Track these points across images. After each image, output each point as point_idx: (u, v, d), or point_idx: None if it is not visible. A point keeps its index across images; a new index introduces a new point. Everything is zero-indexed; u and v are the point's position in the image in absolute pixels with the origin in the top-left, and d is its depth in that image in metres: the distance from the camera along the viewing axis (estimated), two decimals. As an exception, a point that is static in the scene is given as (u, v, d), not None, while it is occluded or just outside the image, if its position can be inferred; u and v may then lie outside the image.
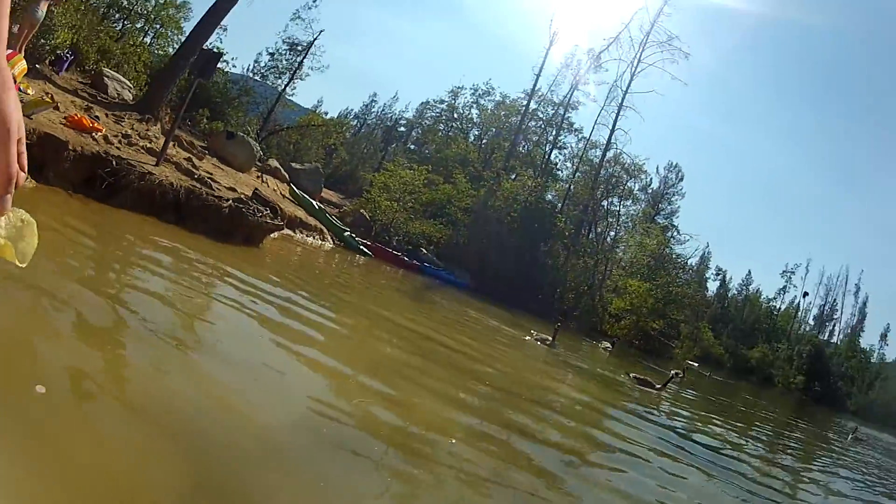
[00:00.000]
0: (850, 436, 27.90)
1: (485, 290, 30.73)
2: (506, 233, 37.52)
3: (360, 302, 12.85)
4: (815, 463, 16.79)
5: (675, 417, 14.75)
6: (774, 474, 12.04)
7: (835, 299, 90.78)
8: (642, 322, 41.90)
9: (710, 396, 25.74)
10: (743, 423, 19.69)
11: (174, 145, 14.73)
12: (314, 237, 20.49)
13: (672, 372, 20.05)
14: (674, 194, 68.29)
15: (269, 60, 39.20)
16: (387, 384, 6.93)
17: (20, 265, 1.06)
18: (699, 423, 15.63)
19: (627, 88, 45.98)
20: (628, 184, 50.40)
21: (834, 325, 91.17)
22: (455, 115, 50.74)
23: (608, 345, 28.57)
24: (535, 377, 12.66)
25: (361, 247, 23.59)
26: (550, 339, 18.22)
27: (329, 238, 21.70)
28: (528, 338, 18.24)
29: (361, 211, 29.96)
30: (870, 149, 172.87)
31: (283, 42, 39.21)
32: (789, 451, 17.39)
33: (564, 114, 48.01)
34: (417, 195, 32.96)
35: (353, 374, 6.87)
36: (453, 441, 5.59)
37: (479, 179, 39.94)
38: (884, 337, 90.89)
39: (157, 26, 29.64)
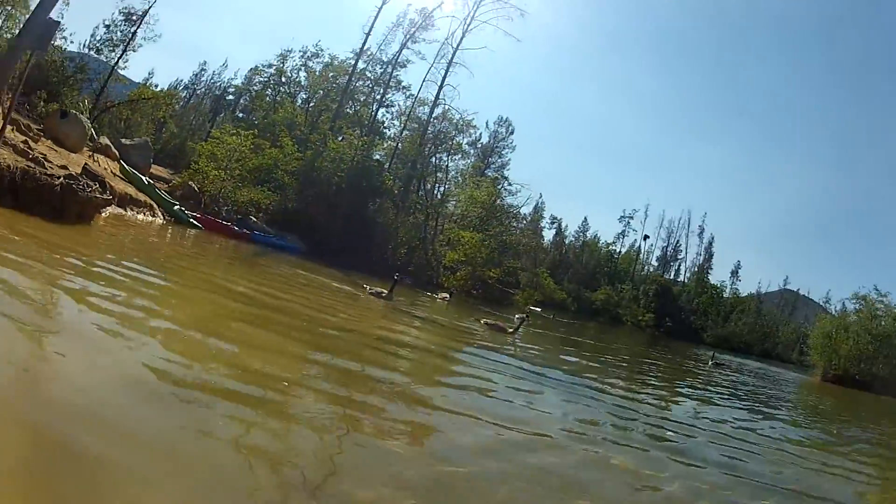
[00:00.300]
0: (710, 361, 30.09)
1: (317, 253, 30.77)
2: (334, 194, 37.88)
3: (195, 269, 13.11)
4: (680, 383, 18.20)
5: (531, 352, 15.58)
6: (642, 391, 13.54)
7: (678, 241, 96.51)
8: (479, 271, 42.85)
9: (561, 335, 27.18)
10: (598, 354, 21.17)
11: (13, 129, 15.37)
12: (145, 213, 20.98)
13: (517, 316, 20.64)
14: (504, 147, 70.93)
15: (105, 33, 37.68)
16: (229, 337, 7.23)
17: None
18: (555, 355, 16.87)
19: (458, 45, 46.86)
20: (457, 139, 51.39)
21: (679, 265, 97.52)
22: (283, 80, 50.05)
23: (446, 295, 29.24)
24: (379, 324, 13.09)
25: (191, 220, 23.89)
26: (386, 291, 18.49)
27: (160, 213, 22.07)
28: (360, 292, 18.56)
29: (190, 183, 29.87)
30: (708, 97, 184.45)
31: (120, 13, 37.81)
32: (651, 374, 18.78)
33: (393, 72, 48.35)
34: (244, 162, 32.80)
35: (193, 330, 7.02)
36: (286, 383, 5.84)
37: (306, 143, 39.82)
38: (735, 273, 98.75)
39: (9, 8, 28.64)
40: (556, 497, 4.95)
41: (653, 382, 16.36)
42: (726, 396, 16.96)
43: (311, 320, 10.64)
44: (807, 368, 50.07)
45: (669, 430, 8.91)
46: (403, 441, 5.27)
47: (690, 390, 16.62)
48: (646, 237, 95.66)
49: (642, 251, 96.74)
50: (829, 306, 77.82)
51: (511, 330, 17.95)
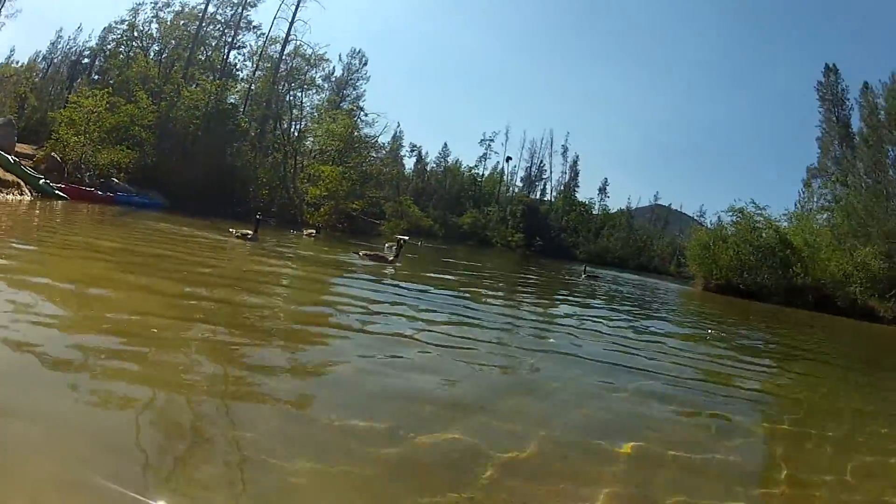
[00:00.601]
0: (583, 275, 31.55)
1: (180, 206, 31.16)
2: (191, 143, 38.28)
3: (65, 237, 13.40)
4: (560, 294, 19.28)
5: (410, 276, 16.29)
6: (521, 301, 14.92)
7: (542, 161, 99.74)
8: (342, 205, 43.88)
9: (434, 259, 28.69)
10: (474, 273, 22.57)
11: None
12: (13, 193, 22.22)
13: (387, 245, 20.65)
14: (358, 79, 71.75)
15: (-26, 22, 36.45)
16: (107, 286, 7.51)
17: None
18: (434, 276, 18.15)
19: (310, -22, 46.36)
20: (310, 74, 51.91)
21: (545, 185, 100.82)
22: (136, 34, 48.12)
23: (312, 231, 29.59)
24: (251, 261, 13.67)
25: (57, 191, 25.06)
26: (251, 233, 18.51)
27: (27, 191, 23.38)
28: (226, 236, 18.78)
29: (53, 154, 30.77)
30: (564, 18, 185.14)
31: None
32: (529, 289, 20.13)
33: (243, 12, 48.00)
34: (101, 123, 33.32)
35: (72, 283, 7.35)
36: (157, 330, 5.78)
37: (161, 95, 39.38)
38: (603, 190, 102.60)
39: None
40: (418, 378, 5.66)
41: (530, 294, 17.95)
42: (605, 303, 18.13)
43: (184, 263, 11.02)
44: (686, 279, 51.49)
45: (549, 333, 9.64)
46: (288, 356, 5.76)
47: (569, 299, 17.85)
48: (508, 159, 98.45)
49: (506, 173, 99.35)
50: (703, 220, 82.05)
51: (392, 258, 18.22)
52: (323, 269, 15.38)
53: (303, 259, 17.40)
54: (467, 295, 13.97)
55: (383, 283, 13.33)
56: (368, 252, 19.07)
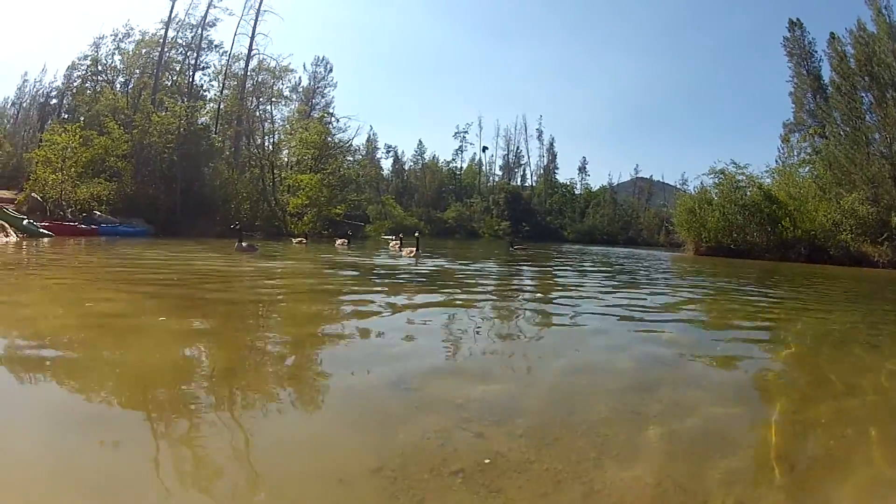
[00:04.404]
0: (511, 247, 31.95)
1: (166, 231, 31.70)
2: (167, 168, 38.51)
3: (55, 273, 12.20)
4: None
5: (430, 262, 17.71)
6: (515, 286, 15.06)
7: (518, 147, 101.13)
8: (325, 211, 44.52)
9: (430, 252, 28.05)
10: (468, 259, 22.75)
11: None
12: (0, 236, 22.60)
13: (391, 243, 22.82)
14: (326, 87, 72.54)
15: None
16: (119, 317, 6.65)
17: None
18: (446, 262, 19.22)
19: (265, -9, 46.47)
20: (277, 87, 52.11)
21: (524, 170, 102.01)
22: (100, 68, 49.02)
23: (301, 239, 29.86)
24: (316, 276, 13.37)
25: (41, 230, 25.53)
26: (239, 244, 18.55)
27: (13, 233, 23.81)
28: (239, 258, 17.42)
29: (33, 195, 31.35)
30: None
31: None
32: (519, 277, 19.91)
33: (203, 33, 48.42)
34: (77, 158, 33.75)
35: (90, 305, 7.26)
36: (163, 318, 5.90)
37: (132, 125, 39.26)
38: (583, 169, 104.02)
39: None
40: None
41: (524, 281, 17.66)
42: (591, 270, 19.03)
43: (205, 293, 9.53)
44: (677, 247, 50.31)
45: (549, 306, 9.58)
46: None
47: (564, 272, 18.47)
48: (485, 149, 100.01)
49: (484, 163, 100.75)
50: (685, 187, 78.90)
51: (417, 252, 19.82)
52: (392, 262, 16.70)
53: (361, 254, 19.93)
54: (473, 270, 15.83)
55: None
56: (405, 249, 20.45)
